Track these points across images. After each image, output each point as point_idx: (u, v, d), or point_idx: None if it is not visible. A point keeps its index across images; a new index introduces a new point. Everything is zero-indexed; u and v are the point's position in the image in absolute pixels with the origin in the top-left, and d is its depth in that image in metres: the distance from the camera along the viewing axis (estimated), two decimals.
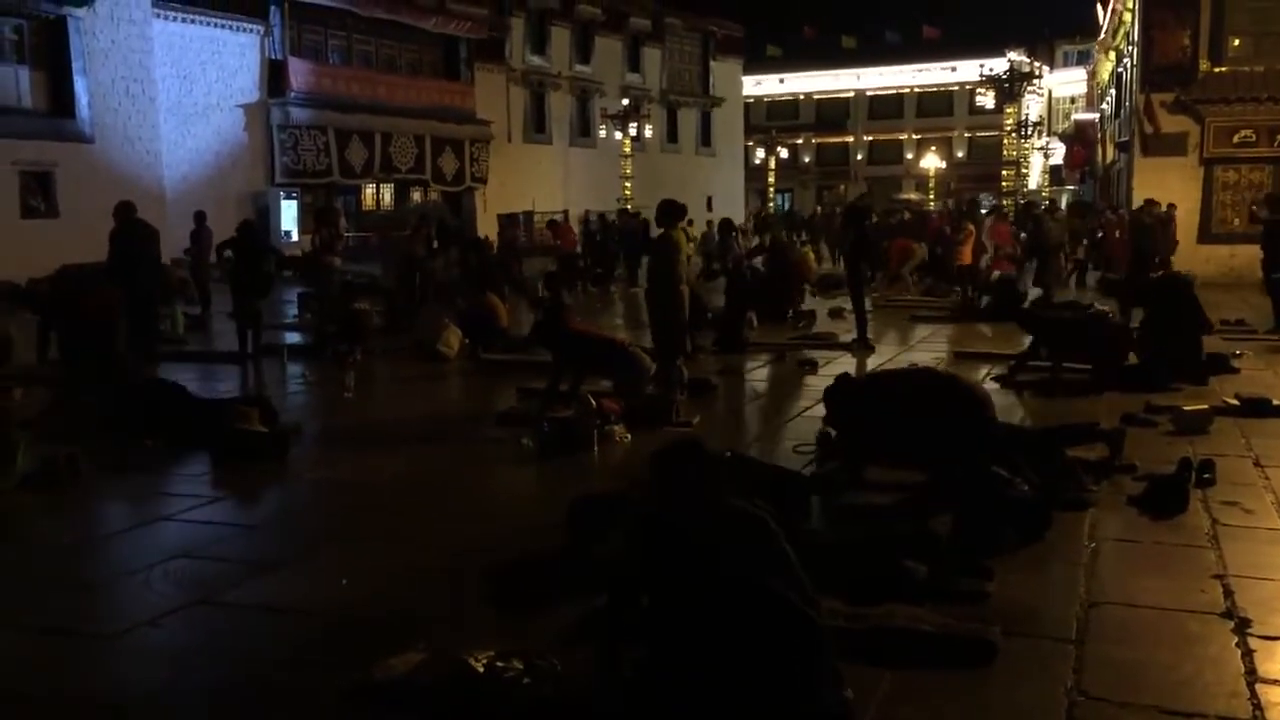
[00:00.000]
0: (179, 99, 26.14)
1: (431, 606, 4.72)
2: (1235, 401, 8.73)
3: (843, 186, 64.13)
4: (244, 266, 12.82)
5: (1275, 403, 8.71)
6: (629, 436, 7.95)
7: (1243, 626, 4.34)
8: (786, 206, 56.99)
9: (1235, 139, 23.64)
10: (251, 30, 28.14)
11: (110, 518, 6.51)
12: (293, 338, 14.54)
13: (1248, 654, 4.10)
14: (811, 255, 27.22)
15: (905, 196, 51.60)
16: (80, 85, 22.78)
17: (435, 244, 19.96)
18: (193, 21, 26.67)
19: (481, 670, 3.59)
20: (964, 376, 6.82)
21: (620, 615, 3.60)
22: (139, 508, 6.53)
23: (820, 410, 7.21)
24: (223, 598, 4.90)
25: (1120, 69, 31.17)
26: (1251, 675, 3.92)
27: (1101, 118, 38.48)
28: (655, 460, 3.89)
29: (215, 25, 27.23)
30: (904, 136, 63.15)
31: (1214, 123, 23.59)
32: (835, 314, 15.89)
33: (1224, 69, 23.75)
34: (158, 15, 24.87)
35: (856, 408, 6.60)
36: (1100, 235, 21.74)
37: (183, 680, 4.07)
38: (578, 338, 9.07)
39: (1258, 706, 3.70)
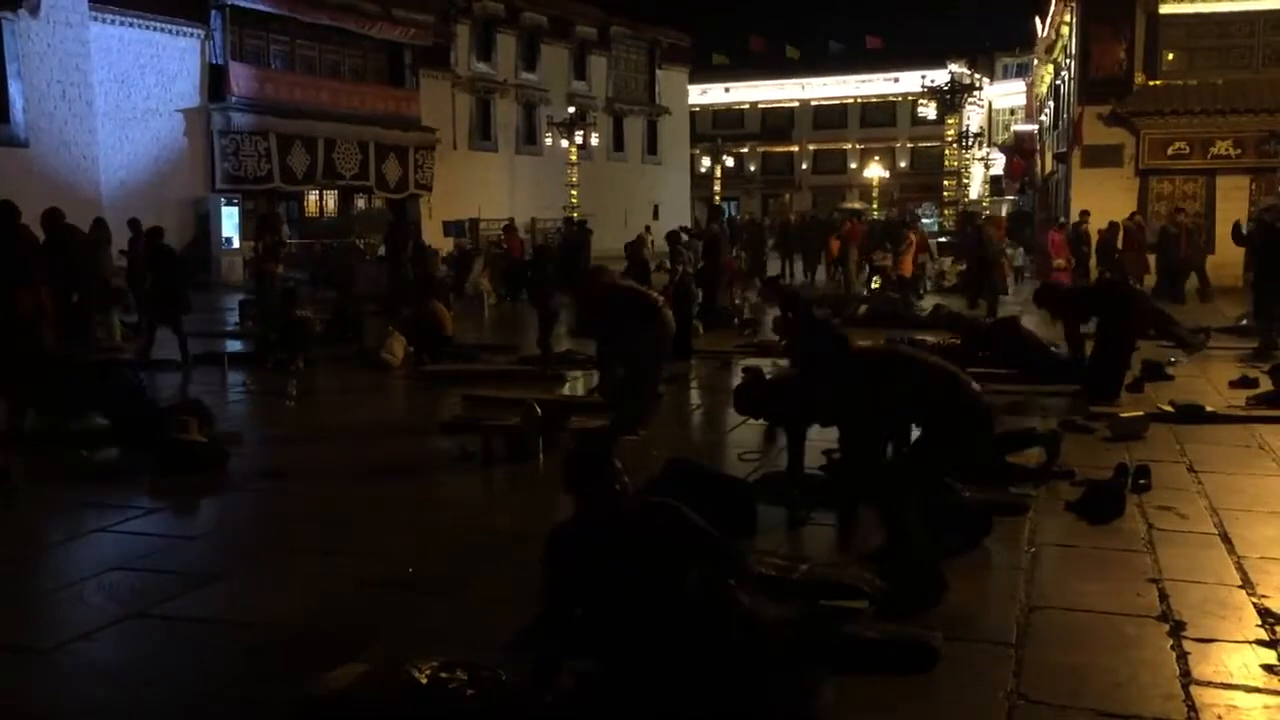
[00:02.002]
0: (117, 103, 25.67)
1: (374, 618, 4.67)
2: (1170, 408, 8.90)
3: (788, 196, 64.57)
4: (159, 275, 12.76)
5: (1209, 409, 8.90)
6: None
7: (1177, 629, 4.43)
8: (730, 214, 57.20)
9: (1169, 151, 24.16)
10: (192, 34, 27.73)
11: (44, 530, 6.36)
12: (234, 346, 14.34)
13: (1182, 656, 4.18)
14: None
15: (849, 205, 52.03)
16: (15, 89, 22.26)
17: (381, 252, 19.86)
18: (131, 25, 26.21)
19: (425, 682, 3.56)
20: None
21: (555, 626, 3.60)
22: (74, 519, 6.40)
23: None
24: (160, 610, 4.82)
25: (1059, 82, 31.70)
26: (1186, 677, 4.00)
27: (1041, 129, 39.09)
28: (563, 470, 3.93)
29: (154, 29, 26.78)
30: (848, 146, 63.72)
31: (1149, 135, 24.09)
32: None
33: (1158, 82, 24.28)
34: (95, 18, 24.39)
35: (766, 405, 6.70)
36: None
37: (118, 696, 3.99)
38: (616, 299, 8.61)
39: (1192, 708, 3.77)
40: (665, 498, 3.85)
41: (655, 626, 3.39)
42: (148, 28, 26.61)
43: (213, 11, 28.09)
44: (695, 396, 10.75)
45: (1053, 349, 10.83)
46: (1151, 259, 20.64)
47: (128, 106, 26.12)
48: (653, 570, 3.52)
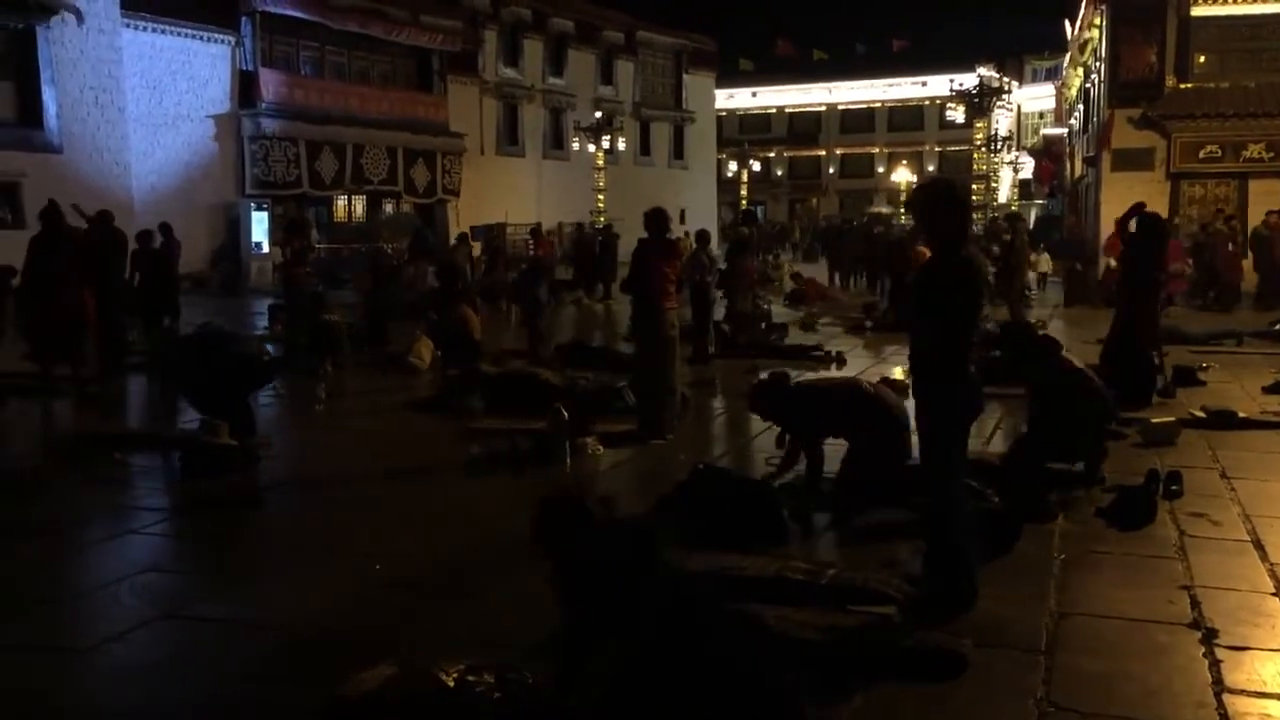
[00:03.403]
0: (148, 109, 25.93)
1: (401, 620, 4.70)
2: (1202, 414, 8.81)
3: (815, 200, 64.48)
4: (150, 277, 13.03)
5: (1241, 415, 8.81)
6: (602, 450, 7.94)
7: (1209, 637, 4.38)
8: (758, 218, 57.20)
9: (1201, 154, 23.95)
10: (223, 41, 27.98)
11: (78, 531, 6.43)
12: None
13: (1214, 664, 4.14)
14: (785, 266, 27.40)
15: (876, 210, 51.87)
16: (49, 95, 22.56)
17: (407, 256, 19.93)
18: (163, 32, 26.47)
19: (452, 684, 3.56)
20: (884, 391, 6.88)
21: (576, 636, 3.58)
22: (108, 521, 6.46)
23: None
24: (192, 612, 4.86)
25: (1088, 85, 31.50)
26: (1218, 685, 3.96)
27: (1070, 133, 38.84)
28: (532, 523, 3.75)
29: (186, 36, 27.05)
30: (875, 150, 63.56)
31: (1180, 138, 23.90)
32: (808, 327, 15.98)
33: (1189, 85, 24.08)
34: (127, 25, 24.67)
35: (782, 410, 6.71)
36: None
37: (151, 696, 4.03)
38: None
39: (1224, 717, 3.74)
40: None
41: (667, 638, 3.37)
42: (179, 34, 26.88)
43: (243, 18, 28.33)
44: (721, 402, 10.73)
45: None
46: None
47: (159, 112, 26.38)
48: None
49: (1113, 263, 19.28)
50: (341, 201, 32.74)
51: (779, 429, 7.04)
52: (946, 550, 4.70)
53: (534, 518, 3.67)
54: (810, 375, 8.29)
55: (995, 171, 40.12)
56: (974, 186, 36.17)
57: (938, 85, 53.51)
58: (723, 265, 15.53)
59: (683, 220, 40.50)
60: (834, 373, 11.94)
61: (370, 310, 15.64)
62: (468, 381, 10.41)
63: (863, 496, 6.26)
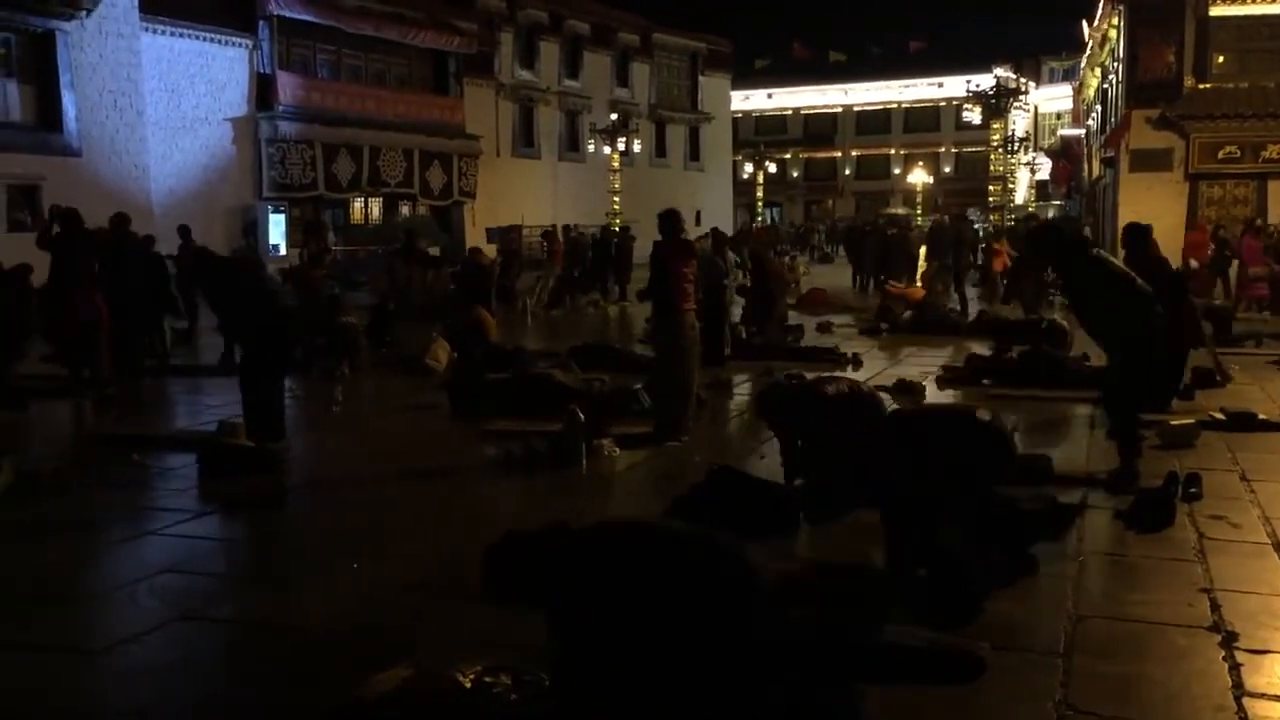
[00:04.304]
0: (167, 113, 26.09)
1: (418, 621, 4.70)
2: (1221, 416, 8.75)
3: (831, 201, 64.41)
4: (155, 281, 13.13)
5: (1261, 417, 8.74)
6: (618, 451, 7.94)
7: (1229, 640, 4.35)
8: (773, 219, 57.22)
9: (1220, 155, 23.83)
10: (240, 44, 28.13)
11: (97, 532, 6.46)
12: None
13: (1234, 668, 4.11)
14: (801, 267, 27.27)
15: (892, 211, 51.78)
16: (68, 99, 22.69)
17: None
18: (182, 35, 26.64)
19: (469, 686, 3.57)
20: (877, 393, 6.84)
21: (567, 650, 3.57)
22: (126, 522, 6.49)
23: None
24: (209, 613, 4.88)
25: (1106, 85, 31.37)
26: (1238, 689, 3.93)
27: (1087, 133, 38.68)
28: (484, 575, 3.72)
29: (204, 39, 27.23)
30: (891, 151, 63.48)
31: (1199, 139, 23.78)
32: (824, 328, 15.95)
33: (1208, 85, 23.96)
34: (146, 29, 24.81)
35: (788, 416, 6.66)
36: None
37: (166, 697, 4.04)
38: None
39: None
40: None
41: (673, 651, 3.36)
42: (197, 38, 27.04)
43: (261, 22, 28.49)
44: (738, 403, 10.72)
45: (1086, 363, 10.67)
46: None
47: (177, 116, 26.54)
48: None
49: (1193, 263, 18.71)
50: (358, 204, 32.87)
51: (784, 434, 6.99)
52: (938, 555, 4.68)
53: (504, 568, 3.59)
54: (808, 376, 8.23)
55: (1012, 173, 39.95)
56: (991, 188, 36.05)
57: (954, 86, 53.36)
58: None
59: (698, 222, 40.53)
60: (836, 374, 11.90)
61: (377, 311, 15.49)
62: (474, 384, 10.39)
63: (868, 496, 6.21)
